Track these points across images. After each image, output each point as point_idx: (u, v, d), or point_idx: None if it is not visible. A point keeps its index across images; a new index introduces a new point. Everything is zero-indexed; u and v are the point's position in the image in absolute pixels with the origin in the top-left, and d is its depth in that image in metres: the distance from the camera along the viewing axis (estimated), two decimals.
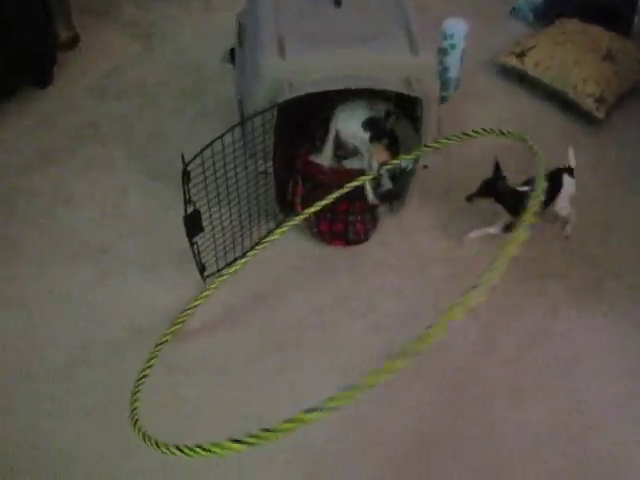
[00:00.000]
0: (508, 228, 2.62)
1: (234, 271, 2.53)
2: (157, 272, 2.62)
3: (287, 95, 2.25)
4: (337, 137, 2.62)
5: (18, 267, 2.61)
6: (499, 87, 3.55)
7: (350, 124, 2.56)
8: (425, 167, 2.60)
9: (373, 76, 2.32)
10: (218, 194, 2.30)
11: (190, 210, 2.20)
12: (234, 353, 2.41)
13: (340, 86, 2.31)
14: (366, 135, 2.53)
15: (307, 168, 2.68)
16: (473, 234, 2.73)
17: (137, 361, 2.16)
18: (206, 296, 2.46)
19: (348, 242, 2.75)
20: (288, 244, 2.73)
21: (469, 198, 2.56)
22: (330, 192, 2.56)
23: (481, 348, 2.49)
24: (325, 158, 2.64)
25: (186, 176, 2.07)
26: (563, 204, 2.70)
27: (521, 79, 3.56)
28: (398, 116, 2.59)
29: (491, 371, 2.42)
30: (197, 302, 2.43)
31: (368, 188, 2.67)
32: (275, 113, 2.29)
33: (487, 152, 2.61)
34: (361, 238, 2.76)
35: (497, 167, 2.52)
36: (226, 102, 3.13)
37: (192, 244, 2.33)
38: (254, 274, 2.62)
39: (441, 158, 2.60)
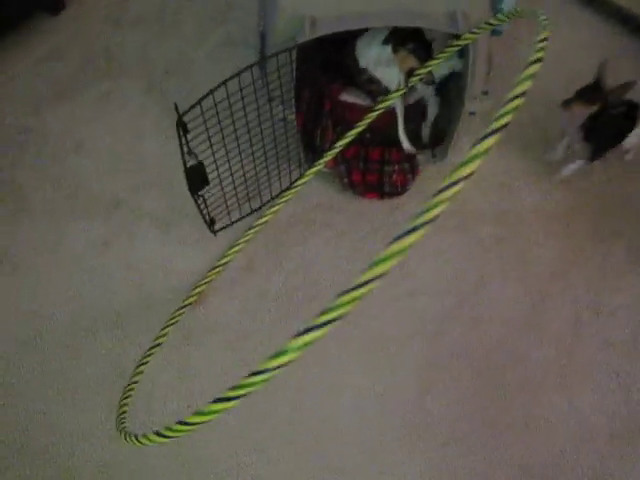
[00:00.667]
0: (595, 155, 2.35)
1: (255, 231, 2.28)
2: (174, 230, 2.39)
3: (308, 35, 1.93)
4: (366, 73, 2.29)
5: (24, 223, 2.41)
6: (563, 15, 3.08)
7: (371, 50, 2.22)
8: (485, 93, 2.24)
9: (410, 10, 1.96)
10: (228, 143, 2.04)
11: (191, 163, 1.94)
12: (251, 323, 2.21)
13: (371, 24, 1.98)
14: (388, 49, 2.18)
15: (337, 109, 2.37)
16: (565, 172, 2.44)
17: (144, 333, 2.07)
18: (225, 263, 2.25)
19: (383, 194, 2.45)
20: (316, 196, 2.47)
21: (565, 104, 2.19)
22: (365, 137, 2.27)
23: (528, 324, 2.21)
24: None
25: (182, 127, 1.80)
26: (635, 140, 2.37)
27: (589, 1, 3.08)
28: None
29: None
30: (216, 270, 2.25)
31: (402, 135, 2.36)
32: (294, 56, 1.96)
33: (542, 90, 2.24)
34: (398, 190, 2.45)
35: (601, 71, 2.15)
36: (253, 30, 2.78)
37: (196, 199, 2.10)
38: (275, 232, 2.37)
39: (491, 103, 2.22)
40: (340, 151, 2.26)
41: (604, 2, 3.03)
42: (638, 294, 2.27)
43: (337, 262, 2.32)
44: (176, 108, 1.76)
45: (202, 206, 2.14)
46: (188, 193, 2.08)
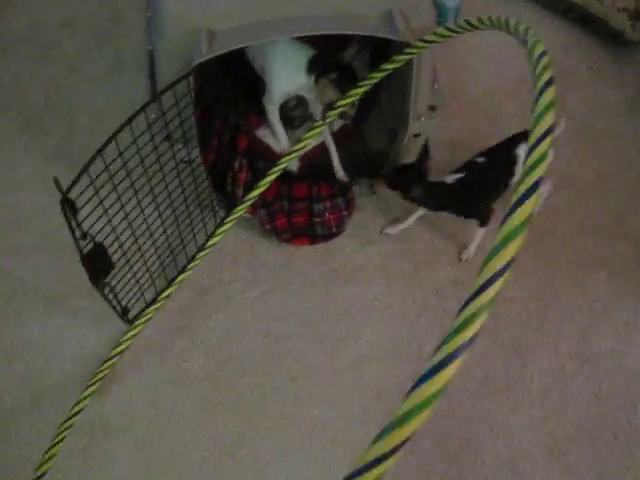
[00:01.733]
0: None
1: (160, 305, 1.84)
2: (67, 304, 1.93)
3: (206, 53, 1.49)
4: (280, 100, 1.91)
5: None
6: (508, 10, 2.71)
7: (289, 74, 1.83)
8: (432, 109, 1.83)
9: (335, 15, 1.55)
10: (130, 207, 1.57)
11: (87, 247, 1.46)
12: (167, 417, 1.77)
13: (287, 33, 1.59)
14: (311, 79, 1.81)
15: (255, 145, 1.95)
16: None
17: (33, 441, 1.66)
18: (130, 339, 1.80)
19: (315, 239, 2.03)
20: (234, 248, 2.04)
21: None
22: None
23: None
24: (280, 141, 1.91)
25: (68, 206, 1.33)
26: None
27: None
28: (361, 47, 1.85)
29: None
30: (120, 349, 1.79)
31: (337, 164, 1.96)
32: (192, 82, 1.53)
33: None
34: (332, 231, 2.03)
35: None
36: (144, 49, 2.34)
37: (101, 290, 1.60)
38: (188, 299, 1.93)
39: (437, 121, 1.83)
40: (260, 196, 1.84)
41: None
42: (625, 335, 1.91)
43: (268, 326, 1.91)
44: (57, 183, 1.29)
45: (110, 295, 1.66)
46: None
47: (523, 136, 1.88)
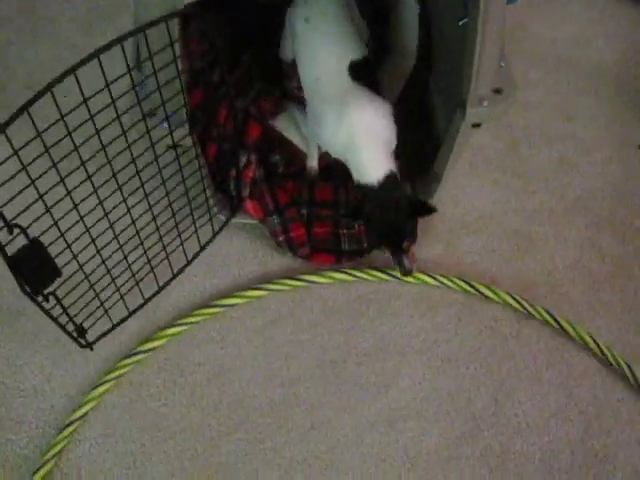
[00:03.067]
0: None
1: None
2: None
3: None
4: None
5: None
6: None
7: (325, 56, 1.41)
8: (498, 92, 1.36)
9: None
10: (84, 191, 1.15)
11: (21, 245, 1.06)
12: (138, 475, 1.35)
13: None
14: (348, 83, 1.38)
15: (270, 137, 1.54)
16: None
17: None
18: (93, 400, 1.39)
19: (341, 256, 1.59)
20: (236, 263, 1.62)
21: None
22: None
23: None
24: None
25: None
26: None
27: None
28: None
29: None
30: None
31: None
32: (176, 34, 1.12)
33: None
34: (363, 247, 1.60)
35: None
36: None
37: (40, 304, 1.18)
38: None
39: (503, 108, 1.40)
40: (271, 195, 1.43)
41: None
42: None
43: (273, 366, 1.48)
44: None
45: (56, 312, 1.24)
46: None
47: None
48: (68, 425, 1.36)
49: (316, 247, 1.57)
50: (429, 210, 1.34)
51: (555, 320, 1.50)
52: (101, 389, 1.40)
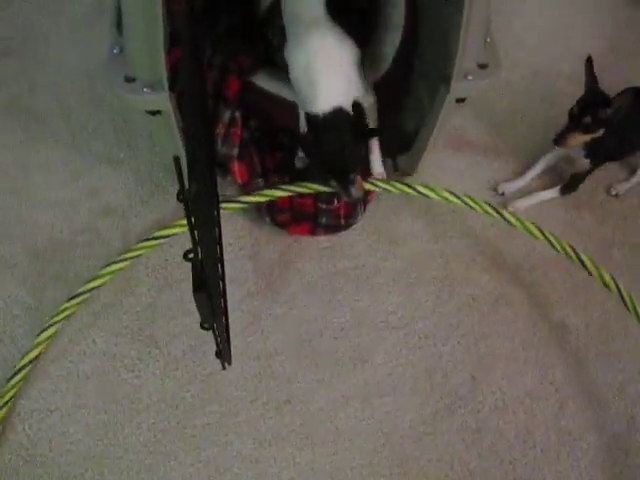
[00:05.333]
0: (569, 187, 1.68)
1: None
2: None
3: None
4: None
5: None
6: None
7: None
8: (483, 67, 1.35)
9: None
10: None
11: None
12: (108, 446, 1.33)
13: None
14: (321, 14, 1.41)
15: (250, 95, 1.54)
16: (522, 202, 1.67)
17: None
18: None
19: (316, 228, 1.58)
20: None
21: (559, 138, 1.51)
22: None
23: None
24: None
25: None
26: None
27: None
28: None
29: None
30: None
31: (376, 151, 1.54)
32: None
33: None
34: (340, 223, 1.59)
35: (591, 72, 1.51)
36: None
37: None
38: (149, 290, 1.49)
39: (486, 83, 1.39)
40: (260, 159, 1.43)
41: None
42: None
43: (249, 339, 1.48)
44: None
45: None
46: None
47: None
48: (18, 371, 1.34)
49: (295, 216, 1.55)
50: (372, 133, 1.40)
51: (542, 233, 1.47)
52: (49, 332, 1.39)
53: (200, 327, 0.99)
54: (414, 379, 1.44)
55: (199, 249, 0.88)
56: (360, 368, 1.44)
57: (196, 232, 0.86)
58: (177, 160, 0.75)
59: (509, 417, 1.41)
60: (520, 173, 1.73)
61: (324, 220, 1.57)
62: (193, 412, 1.37)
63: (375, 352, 1.46)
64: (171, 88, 1.17)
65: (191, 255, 0.87)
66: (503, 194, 1.71)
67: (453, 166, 1.74)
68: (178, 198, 0.80)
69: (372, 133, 1.43)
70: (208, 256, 1.06)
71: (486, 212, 1.49)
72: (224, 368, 1.23)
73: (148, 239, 1.51)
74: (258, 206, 1.55)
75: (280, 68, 1.53)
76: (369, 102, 1.45)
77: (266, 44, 1.59)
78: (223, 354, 1.18)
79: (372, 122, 1.47)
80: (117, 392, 1.39)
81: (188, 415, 1.37)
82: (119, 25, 1.20)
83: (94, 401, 1.37)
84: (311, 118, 1.34)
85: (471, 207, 1.49)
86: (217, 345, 1.13)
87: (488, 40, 1.42)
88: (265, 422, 1.37)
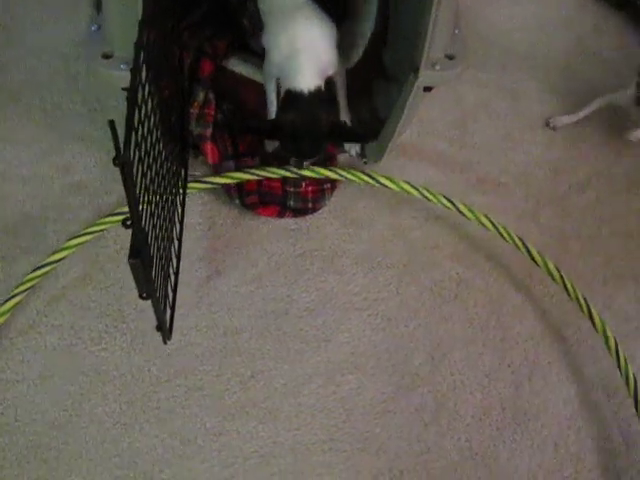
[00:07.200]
0: None
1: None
2: None
3: None
4: None
5: None
6: None
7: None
8: (451, 58, 1.39)
9: None
10: None
11: None
12: (74, 417, 1.35)
13: None
14: None
15: (224, 79, 1.58)
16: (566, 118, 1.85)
17: None
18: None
19: (284, 211, 1.63)
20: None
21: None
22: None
23: None
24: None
25: None
26: None
27: None
28: None
29: None
30: None
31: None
32: None
33: None
34: (308, 207, 1.64)
35: None
36: None
37: None
38: (114, 267, 1.50)
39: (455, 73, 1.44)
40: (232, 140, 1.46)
41: None
42: None
43: (215, 316, 1.51)
44: None
45: None
46: None
47: None
48: None
49: (263, 198, 1.59)
50: (349, 135, 1.47)
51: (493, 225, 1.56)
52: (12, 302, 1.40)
53: (139, 297, 0.99)
54: (376, 359, 1.48)
55: (138, 216, 0.89)
56: (324, 347, 1.48)
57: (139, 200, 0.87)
58: (112, 123, 0.76)
59: (467, 397, 1.45)
60: (481, 163, 1.78)
61: (292, 203, 1.60)
62: (159, 385, 1.40)
63: (339, 332, 1.50)
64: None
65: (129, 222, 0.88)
66: (554, 128, 1.81)
67: (419, 154, 1.79)
68: (114, 163, 0.79)
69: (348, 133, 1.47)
70: (159, 228, 1.09)
71: (442, 204, 1.56)
72: (165, 342, 1.25)
73: (113, 214, 1.54)
74: (227, 187, 1.58)
75: (252, 53, 1.57)
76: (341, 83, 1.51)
77: (240, 30, 1.62)
78: (162, 328, 1.19)
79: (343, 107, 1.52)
80: (84, 364, 1.40)
81: (154, 388, 1.39)
82: (98, 4, 1.23)
83: (61, 372, 1.39)
84: (296, 95, 1.34)
85: (428, 199, 1.56)
86: (157, 319, 1.14)
87: (457, 31, 1.47)
88: (229, 396, 1.40)
